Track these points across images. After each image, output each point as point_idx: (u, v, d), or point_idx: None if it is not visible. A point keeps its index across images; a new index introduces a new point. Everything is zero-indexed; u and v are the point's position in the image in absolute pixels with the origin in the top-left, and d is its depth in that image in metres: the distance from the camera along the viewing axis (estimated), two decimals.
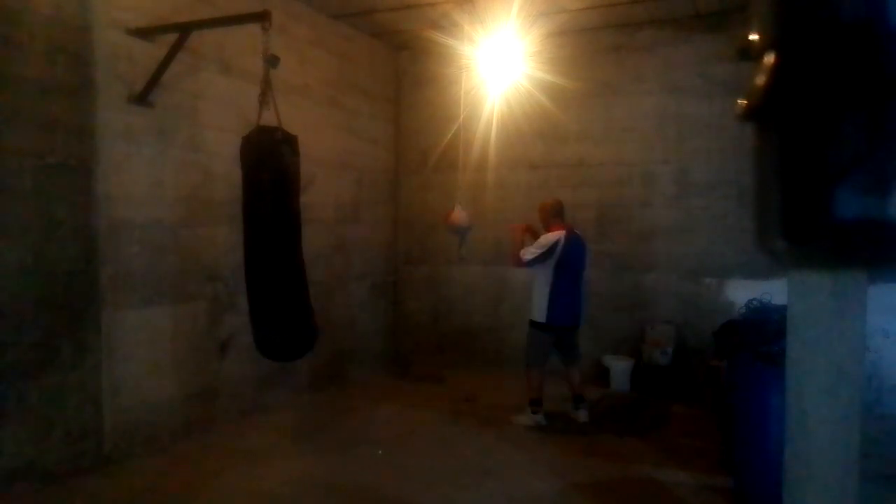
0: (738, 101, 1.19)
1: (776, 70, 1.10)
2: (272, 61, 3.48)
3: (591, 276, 6.40)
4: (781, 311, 3.36)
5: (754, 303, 4.10)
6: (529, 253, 4.85)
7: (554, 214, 5.01)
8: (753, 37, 1.17)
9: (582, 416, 5.04)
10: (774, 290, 3.98)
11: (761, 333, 3.54)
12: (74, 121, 3.82)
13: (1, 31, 3.46)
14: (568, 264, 4.88)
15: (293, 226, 3.59)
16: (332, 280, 6.17)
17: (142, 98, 4.16)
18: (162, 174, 4.38)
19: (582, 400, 5.08)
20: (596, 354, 6.28)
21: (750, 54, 1.18)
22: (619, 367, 6.06)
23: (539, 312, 4.88)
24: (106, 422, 4.02)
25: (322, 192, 5.93)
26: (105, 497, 3.64)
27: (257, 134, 3.46)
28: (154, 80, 4.14)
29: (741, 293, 5.25)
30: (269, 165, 3.48)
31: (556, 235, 4.84)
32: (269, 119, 3.45)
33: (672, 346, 5.91)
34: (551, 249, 4.80)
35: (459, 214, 5.34)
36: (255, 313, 3.57)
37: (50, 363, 3.72)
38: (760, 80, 1.12)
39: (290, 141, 3.55)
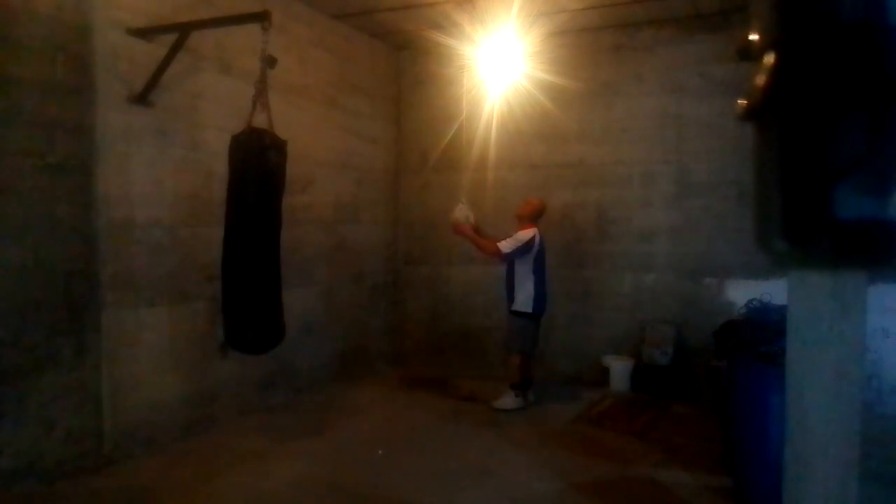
0: (738, 101, 1.19)
1: (776, 70, 1.10)
2: (269, 62, 3.48)
3: (591, 276, 6.45)
4: (781, 311, 3.35)
5: (754, 303, 4.10)
6: (508, 245, 5.33)
7: (535, 216, 5.56)
8: (753, 37, 1.18)
9: (531, 396, 5.59)
10: (774, 290, 3.98)
11: (761, 333, 3.54)
12: (74, 121, 3.82)
13: (1, 31, 3.46)
14: (543, 260, 5.50)
15: (272, 227, 3.65)
16: (332, 280, 6.17)
17: (142, 98, 4.16)
18: (162, 174, 4.37)
19: (531, 382, 5.59)
20: (596, 354, 6.28)
21: (750, 54, 1.18)
22: (619, 367, 6.06)
23: (525, 303, 5.39)
24: (106, 422, 4.02)
25: (322, 192, 5.93)
26: (105, 497, 3.65)
27: (247, 135, 3.48)
28: (154, 80, 4.14)
29: (741, 293, 5.24)
30: (254, 167, 3.51)
31: (532, 232, 5.40)
32: (265, 120, 3.46)
33: (672, 346, 5.90)
34: (528, 245, 5.34)
35: (459, 212, 5.57)
36: (226, 306, 3.75)
37: (50, 363, 3.72)
38: (760, 80, 1.12)
39: (277, 145, 3.58)
